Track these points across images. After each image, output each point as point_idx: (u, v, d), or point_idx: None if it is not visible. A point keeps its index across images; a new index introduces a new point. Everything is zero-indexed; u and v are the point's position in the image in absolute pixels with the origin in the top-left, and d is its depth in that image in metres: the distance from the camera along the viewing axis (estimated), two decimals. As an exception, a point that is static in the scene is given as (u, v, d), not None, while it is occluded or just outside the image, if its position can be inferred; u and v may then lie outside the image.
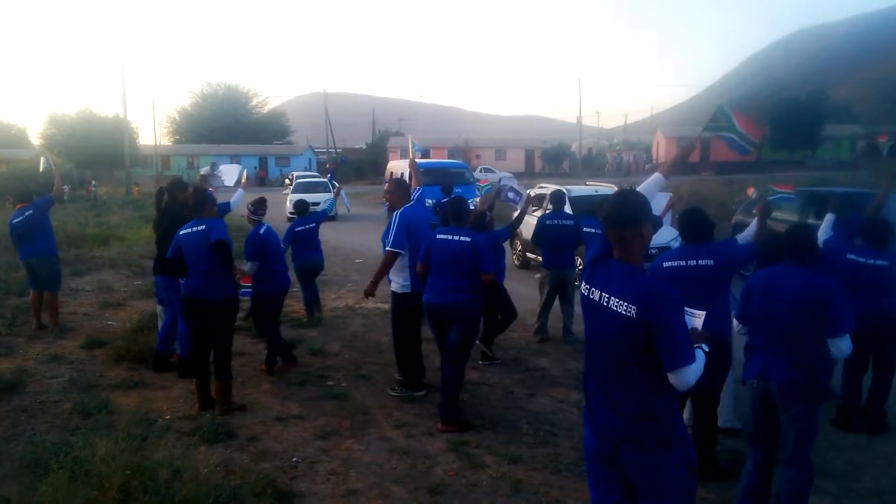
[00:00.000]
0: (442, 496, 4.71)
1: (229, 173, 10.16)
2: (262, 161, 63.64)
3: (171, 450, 4.91)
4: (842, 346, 4.00)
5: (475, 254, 5.94)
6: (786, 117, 55.21)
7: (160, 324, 7.70)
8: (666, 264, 5.07)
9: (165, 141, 75.73)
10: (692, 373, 2.84)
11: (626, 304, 2.88)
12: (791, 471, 4.09)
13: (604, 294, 3.00)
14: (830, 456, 5.36)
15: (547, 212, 8.64)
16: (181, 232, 6.31)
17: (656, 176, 3.76)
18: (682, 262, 4.98)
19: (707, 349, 3.04)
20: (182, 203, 7.28)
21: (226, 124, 74.60)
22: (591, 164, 67.87)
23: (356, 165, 62.63)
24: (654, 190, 3.68)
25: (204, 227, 6.17)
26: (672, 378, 2.84)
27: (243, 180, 9.92)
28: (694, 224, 5.12)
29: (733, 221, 13.95)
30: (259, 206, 7.95)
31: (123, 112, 46.87)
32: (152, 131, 78.49)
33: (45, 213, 9.19)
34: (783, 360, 4.09)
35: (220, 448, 5.43)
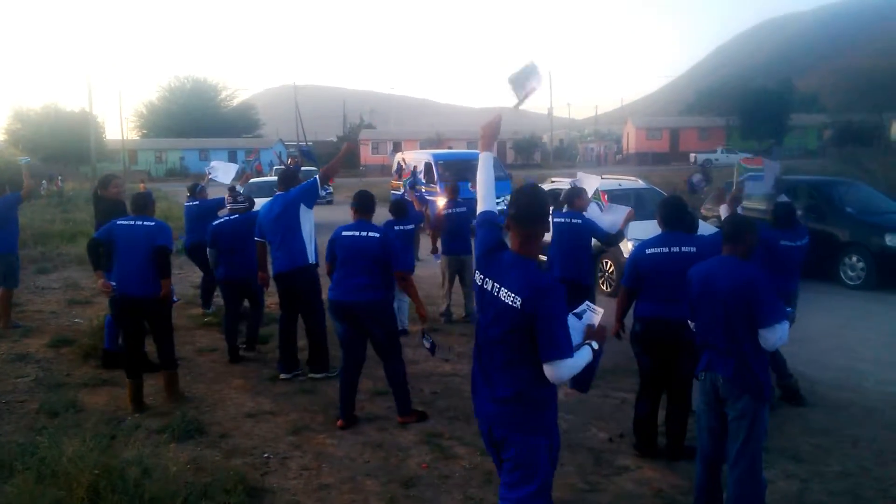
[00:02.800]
0: (415, 488, 4.71)
1: (225, 170, 10.15)
2: (232, 155, 63.01)
3: (141, 448, 4.85)
4: (770, 337, 3.84)
5: (384, 250, 5.73)
6: (754, 107, 55.96)
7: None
8: (648, 251, 5.09)
9: (133, 135, 74.76)
10: (567, 367, 2.95)
11: (513, 294, 2.99)
12: (736, 472, 3.95)
13: (496, 284, 3.10)
14: (798, 440, 5.44)
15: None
16: (119, 222, 6.25)
17: (484, 155, 3.57)
18: (665, 249, 5.01)
19: (597, 346, 3.14)
20: (112, 198, 7.41)
21: (194, 118, 73.83)
22: (562, 156, 68.20)
23: (326, 159, 62.29)
24: (490, 169, 3.54)
25: (153, 224, 6.19)
26: (546, 369, 2.95)
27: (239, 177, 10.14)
28: (674, 211, 5.15)
29: (702, 212, 13.43)
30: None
31: (89, 106, 46.17)
32: (119, 126, 77.33)
33: (12, 210, 9.04)
34: (725, 353, 4.00)
35: (190, 445, 5.38)
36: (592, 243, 7.60)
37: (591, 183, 8.39)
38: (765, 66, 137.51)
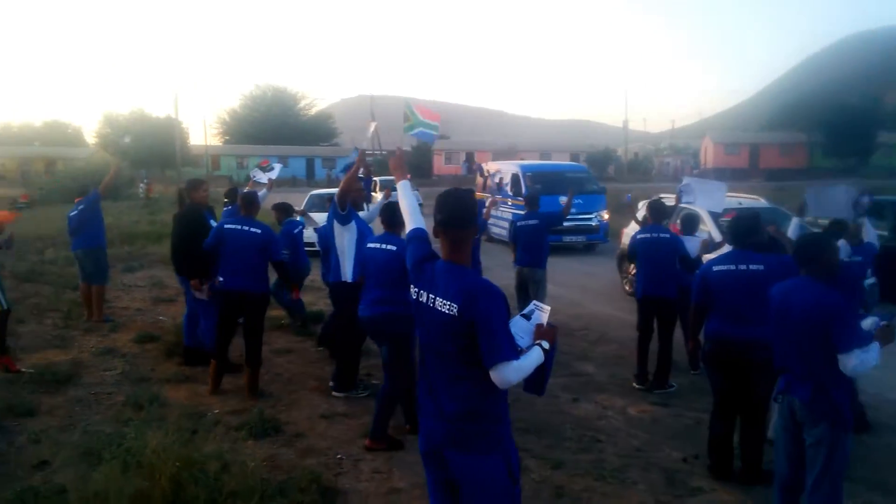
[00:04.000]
0: (484, 498, 4.71)
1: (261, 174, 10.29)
2: (310, 162, 64.31)
3: (220, 443, 5.02)
4: (849, 363, 3.66)
5: (402, 263, 5.57)
6: (839, 123, 53.97)
7: None
8: (716, 268, 5.01)
9: (215, 141, 77.07)
10: (513, 370, 2.81)
11: (449, 302, 2.88)
12: (814, 501, 3.82)
13: (430, 295, 2.99)
14: (885, 472, 5.22)
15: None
16: (227, 226, 6.58)
17: (402, 184, 3.64)
18: (732, 267, 4.92)
19: (547, 346, 2.99)
20: (200, 202, 7.60)
21: (274, 126, 75.60)
22: (636, 169, 67.16)
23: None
24: (413, 198, 3.55)
25: (259, 231, 6.55)
26: (492, 375, 2.80)
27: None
28: (746, 228, 5.05)
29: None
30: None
31: (175, 113, 47.90)
32: (203, 132, 79.86)
33: (96, 208, 9.52)
34: (801, 377, 3.88)
35: (266, 443, 5.53)
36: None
37: (693, 243, 8.13)
38: (851, 80, 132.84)
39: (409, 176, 3.71)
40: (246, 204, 6.86)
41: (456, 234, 3.00)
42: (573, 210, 9.87)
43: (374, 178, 21.74)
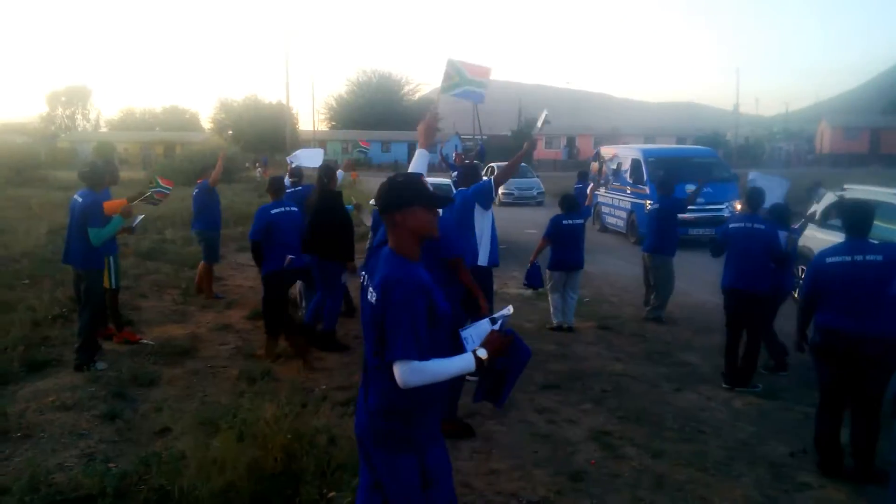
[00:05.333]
0: (583, 483, 4.74)
1: (310, 156, 10.33)
2: (411, 147, 65.02)
3: (328, 418, 5.23)
4: None
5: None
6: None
7: (304, 302, 8.61)
8: (829, 259, 4.83)
9: (322, 127, 78.97)
10: (411, 371, 2.61)
11: (373, 290, 2.78)
12: None
13: (369, 282, 2.90)
14: None
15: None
16: (274, 211, 7.17)
17: (420, 152, 3.47)
18: (848, 258, 4.75)
19: (484, 355, 2.76)
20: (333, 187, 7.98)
21: (378, 111, 76.69)
22: (747, 154, 64.59)
23: (500, 152, 62.87)
24: (422, 167, 3.35)
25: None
26: (394, 371, 2.64)
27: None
28: (860, 218, 4.85)
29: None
30: None
31: (286, 98, 49.43)
32: (311, 117, 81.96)
33: (208, 196, 10.13)
34: None
35: (371, 419, 5.70)
36: None
37: (773, 188, 7.96)
38: None
39: (433, 149, 3.61)
40: (273, 189, 7.41)
41: (385, 219, 2.85)
42: (701, 200, 9.61)
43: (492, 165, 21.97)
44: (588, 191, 10.65)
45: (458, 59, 5.96)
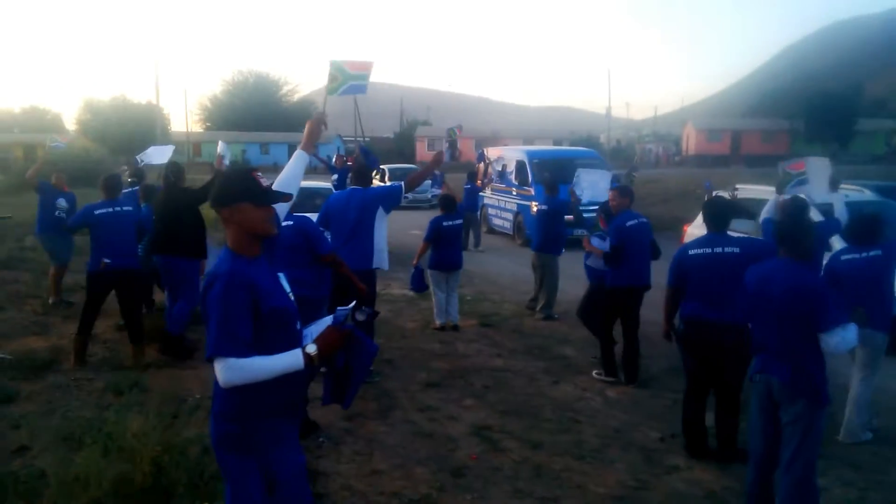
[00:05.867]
0: (464, 478, 4.77)
1: (159, 153, 10.00)
2: (291, 149, 63.81)
3: (201, 427, 5.03)
4: (831, 341, 3.76)
5: (305, 237, 5.33)
6: (820, 110, 54.39)
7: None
8: (692, 252, 5.09)
9: (197, 128, 76.41)
10: (227, 368, 2.53)
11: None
12: (788, 477, 3.90)
13: None
14: (858, 448, 5.33)
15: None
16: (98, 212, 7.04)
17: (299, 153, 3.49)
18: (708, 250, 5.01)
19: (313, 351, 2.65)
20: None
21: (256, 112, 74.96)
22: (619, 156, 67.33)
23: (382, 155, 62.90)
24: (299, 169, 3.37)
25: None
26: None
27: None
28: (719, 213, 5.14)
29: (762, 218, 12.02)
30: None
31: (156, 99, 47.57)
32: (184, 118, 79.13)
33: (43, 194, 9.86)
34: (780, 357, 3.95)
35: (247, 427, 5.53)
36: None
37: (596, 181, 8.33)
38: (833, 69, 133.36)
39: (312, 151, 3.51)
40: (104, 187, 7.21)
41: (219, 216, 2.79)
42: (583, 200, 9.88)
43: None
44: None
45: (339, 59, 6.00)
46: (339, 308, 2.87)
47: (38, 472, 4.46)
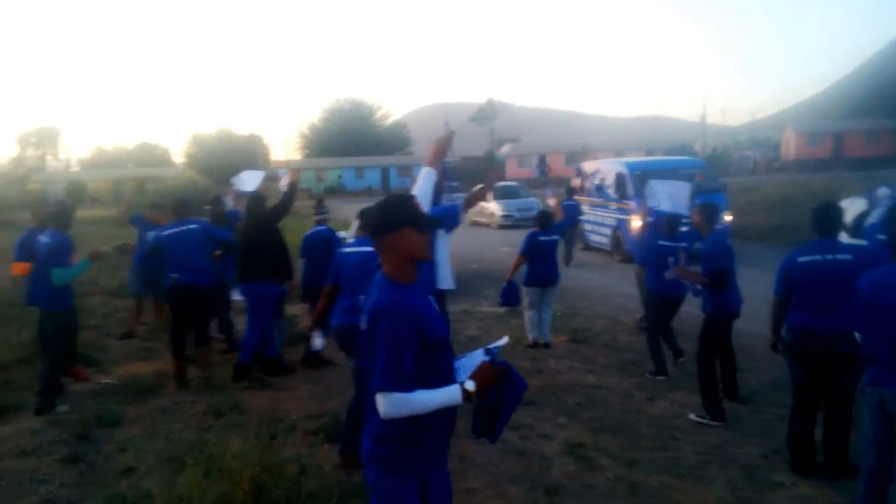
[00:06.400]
0: (558, 496, 4.70)
1: (250, 179, 9.85)
2: (384, 172, 65.08)
3: (298, 447, 5.16)
4: None
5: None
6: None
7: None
8: (801, 259, 4.86)
9: (296, 155, 78.81)
10: (391, 403, 2.61)
11: (364, 317, 2.75)
12: None
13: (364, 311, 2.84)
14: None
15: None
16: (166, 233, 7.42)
17: (426, 170, 3.36)
18: (818, 257, 4.80)
19: (471, 387, 2.70)
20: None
21: (351, 138, 76.69)
22: (715, 164, 65.48)
23: (472, 172, 63.15)
24: (429, 184, 3.27)
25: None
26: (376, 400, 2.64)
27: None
28: (828, 218, 4.90)
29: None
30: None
31: (258, 129, 49.34)
32: (283, 146, 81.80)
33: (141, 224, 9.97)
34: (893, 368, 3.75)
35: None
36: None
37: (674, 192, 8.01)
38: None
39: (438, 167, 3.51)
40: (172, 209, 7.69)
41: (374, 242, 2.83)
42: (687, 213, 9.39)
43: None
44: (553, 204, 10.47)
45: (497, 100, 6.01)
46: (492, 345, 2.89)
47: (145, 492, 4.65)
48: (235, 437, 4.86)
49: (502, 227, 24.44)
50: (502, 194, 25.71)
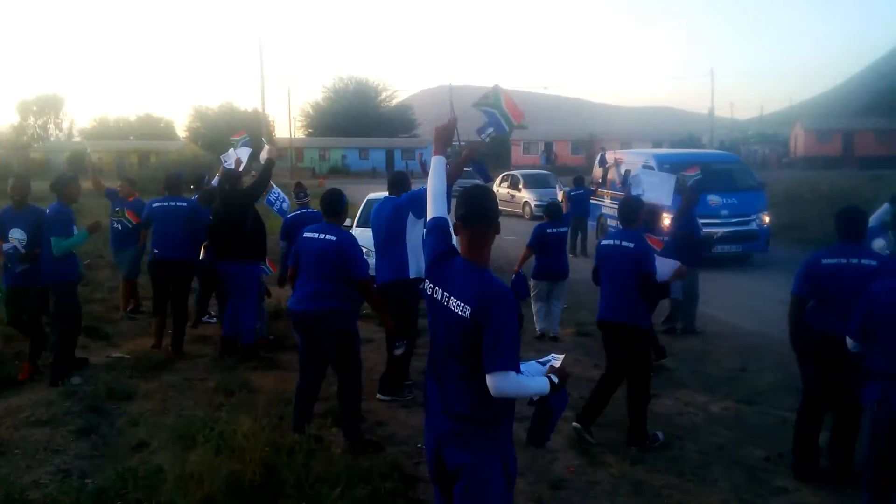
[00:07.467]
0: (562, 491, 4.77)
1: (237, 156, 9.59)
2: (389, 154, 64.96)
3: (307, 430, 5.21)
4: None
5: (341, 256, 5.22)
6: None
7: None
8: (825, 261, 4.80)
9: (299, 134, 78.65)
10: (511, 382, 2.73)
11: (463, 304, 2.82)
12: None
13: (445, 293, 2.93)
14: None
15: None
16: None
17: (436, 159, 3.38)
18: (844, 260, 4.73)
19: (557, 380, 2.89)
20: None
21: (355, 118, 76.55)
22: (723, 158, 65.19)
23: (483, 157, 62.92)
24: (441, 173, 3.32)
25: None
26: (489, 381, 2.73)
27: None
28: (851, 222, 4.82)
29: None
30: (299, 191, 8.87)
31: (262, 106, 49.23)
32: (288, 124, 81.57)
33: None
34: None
35: (350, 430, 5.69)
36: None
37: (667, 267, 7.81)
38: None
39: (447, 152, 3.48)
40: (166, 185, 8.16)
41: (478, 231, 2.94)
42: (725, 212, 9.00)
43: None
44: (560, 197, 10.32)
45: (503, 89, 5.94)
46: (553, 354, 3.11)
47: (156, 467, 4.73)
48: (245, 417, 4.91)
49: (534, 217, 22.26)
50: (534, 183, 25.00)
